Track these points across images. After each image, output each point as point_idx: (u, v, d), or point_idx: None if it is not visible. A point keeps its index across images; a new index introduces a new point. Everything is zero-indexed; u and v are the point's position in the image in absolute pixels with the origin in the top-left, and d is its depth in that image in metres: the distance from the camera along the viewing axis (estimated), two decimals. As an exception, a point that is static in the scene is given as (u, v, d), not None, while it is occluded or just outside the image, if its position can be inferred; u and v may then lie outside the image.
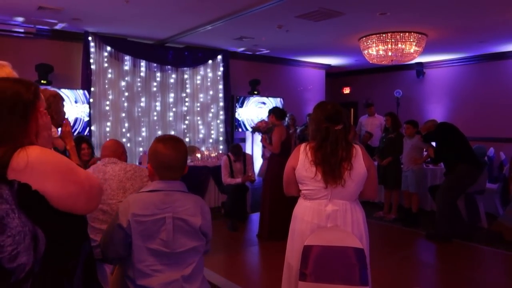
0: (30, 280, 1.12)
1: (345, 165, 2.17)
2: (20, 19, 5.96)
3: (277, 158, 5.00)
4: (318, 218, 2.19)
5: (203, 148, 7.77)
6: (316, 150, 2.21)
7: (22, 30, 6.33)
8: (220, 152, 7.56)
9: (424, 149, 5.90)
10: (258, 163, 8.83)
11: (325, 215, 2.18)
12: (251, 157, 6.34)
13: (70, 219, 1.21)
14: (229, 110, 8.54)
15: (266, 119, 5.49)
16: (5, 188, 1.10)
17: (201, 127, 8.31)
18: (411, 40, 6.77)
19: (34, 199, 1.13)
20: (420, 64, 9.55)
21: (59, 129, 2.60)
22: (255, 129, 5.41)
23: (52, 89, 2.74)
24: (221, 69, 8.39)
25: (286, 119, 8.36)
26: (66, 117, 2.56)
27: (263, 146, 5.52)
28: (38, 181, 1.14)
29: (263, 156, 6.37)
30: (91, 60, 6.93)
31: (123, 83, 7.33)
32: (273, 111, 5.29)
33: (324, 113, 2.26)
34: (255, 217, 6.21)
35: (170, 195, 1.76)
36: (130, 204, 1.73)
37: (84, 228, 1.32)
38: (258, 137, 5.52)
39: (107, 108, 7.18)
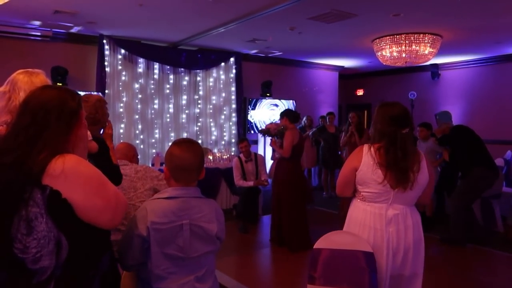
0: (53, 283, 1.16)
1: (414, 168, 2.11)
2: (37, 22, 6.08)
3: (285, 163, 4.88)
4: (380, 222, 2.12)
5: (215, 150, 7.80)
6: (384, 154, 2.12)
7: (38, 34, 6.46)
8: (232, 154, 7.57)
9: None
10: (269, 165, 8.82)
11: (386, 219, 2.11)
12: (263, 158, 6.27)
13: (94, 231, 1.24)
14: (241, 112, 8.56)
15: (278, 122, 5.36)
16: (38, 192, 1.14)
17: (213, 129, 8.34)
18: (426, 41, 6.68)
19: (62, 207, 1.17)
20: (435, 65, 9.43)
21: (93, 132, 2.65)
22: (265, 131, 5.18)
23: (96, 93, 2.81)
24: (234, 71, 8.42)
25: (303, 120, 8.32)
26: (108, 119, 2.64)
27: (273, 149, 5.33)
28: (69, 190, 1.18)
29: (272, 157, 6.29)
30: (106, 63, 7.03)
31: (136, 85, 7.42)
32: (286, 114, 5.03)
33: (390, 113, 2.14)
34: (266, 219, 6.21)
35: (187, 201, 1.77)
36: (148, 212, 1.73)
37: (106, 241, 1.35)
38: (269, 139, 5.32)
39: (121, 110, 7.26)
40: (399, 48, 6.78)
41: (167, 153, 1.85)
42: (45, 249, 1.13)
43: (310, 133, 7.85)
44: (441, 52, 7.37)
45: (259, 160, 6.05)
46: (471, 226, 4.96)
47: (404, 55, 6.87)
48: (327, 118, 8.07)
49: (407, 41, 6.68)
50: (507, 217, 5.39)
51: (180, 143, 1.84)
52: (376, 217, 2.13)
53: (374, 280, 2.02)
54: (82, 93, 6.65)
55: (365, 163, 2.13)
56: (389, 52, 6.98)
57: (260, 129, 5.56)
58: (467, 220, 4.95)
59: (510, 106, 8.35)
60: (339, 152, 7.53)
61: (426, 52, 6.84)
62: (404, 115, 2.14)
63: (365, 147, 2.18)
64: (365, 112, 11.22)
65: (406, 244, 2.11)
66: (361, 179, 2.16)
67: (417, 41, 6.66)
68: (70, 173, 1.19)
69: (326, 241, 2.12)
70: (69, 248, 1.17)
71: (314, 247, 2.11)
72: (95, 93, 5.22)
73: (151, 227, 1.70)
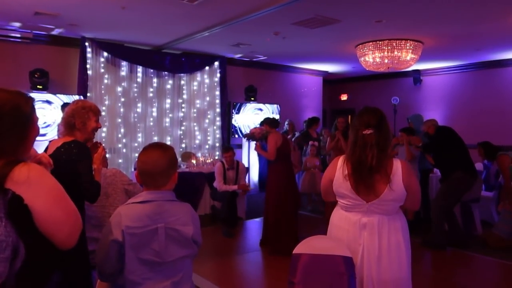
0: None
1: (378, 177, 2.05)
2: (17, 24, 5.96)
3: (274, 166, 4.91)
4: (353, 227, 2.15)
5: (199, 154, 7.76)
6: (348, 159, 2.14)
7: (18, 35, 6.33)
8: (216, 158, 7.54)
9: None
10: (254, 169, 8.82)
11: (360, 224, 2.13)
12: (244, 166, 6.34)
13: (50, 245, 1.23)
14: (226, 117, 8.53)
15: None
16: None
17: (197, 133, 8.29)
18: (407, 47, 6.78)
19: (22, 213, 1.15)
20: (417, 71, 9.58)
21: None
22: (249, 136, 5.23)
23: (90, 101, 2.76)
24: (218, 75, 8.39)
25: (285, 125, 8.36)
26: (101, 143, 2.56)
27: (258, 154, 5.38)
28: (31, 197, 1.17)
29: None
30: (88, 66, 6.92)
31: (119, 89, 7.33)
32: (265, 122, 5.18)
33: (358, 117, 2.16)
34: (250, 224, 6.20)
35: (161, 205, 1.75)
36: (122, 216, 1.72)
37: (58, 259, 1.34)
38: (254, 144, 5.37)
39: (103, 113, 7.14)
40: (382, 54, 6.87)
41: None
42: (1, 254, 1.11)
43: (293, 138, 7.87)
44: (422, 58, 7.49)
45: (240, 168, 6.12)
46: (451, 229, 5.04)
47: (386, 60, 6.96)
48: (313, 125, 8.07)
49: (389, 47, 6.77)
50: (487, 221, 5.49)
51: (146, 148, 1.84)
52: (350, 222, 2.16)
53: (353, 285, 2.03)
54: (63, 96, 6.48)
55: (337, 177, 2.17)
56: (371, 58, 7.06)
57: (244, 133, 5.59)
58: (448, 223, 5.02)
59: (490, 111, 8.54)
60: (323, 157, 7.58)
61: (408, 58, 6.94)
62: (368, 118, 2.11)
63: (340, 160, 2.21)
64: (349, 117, 11.30)
65: (380, 246, 2.10)
66: (336, 192, 2.22)
67: (399, 47, 6.75)
68: (34, 182, 1.19)
69: (306, 246, 2.12)
70: (25, 257, 1.15)
71: (294, 252, 2.10)
72: (77, 98, 5.10)
73: (126, 232, 1.68)
